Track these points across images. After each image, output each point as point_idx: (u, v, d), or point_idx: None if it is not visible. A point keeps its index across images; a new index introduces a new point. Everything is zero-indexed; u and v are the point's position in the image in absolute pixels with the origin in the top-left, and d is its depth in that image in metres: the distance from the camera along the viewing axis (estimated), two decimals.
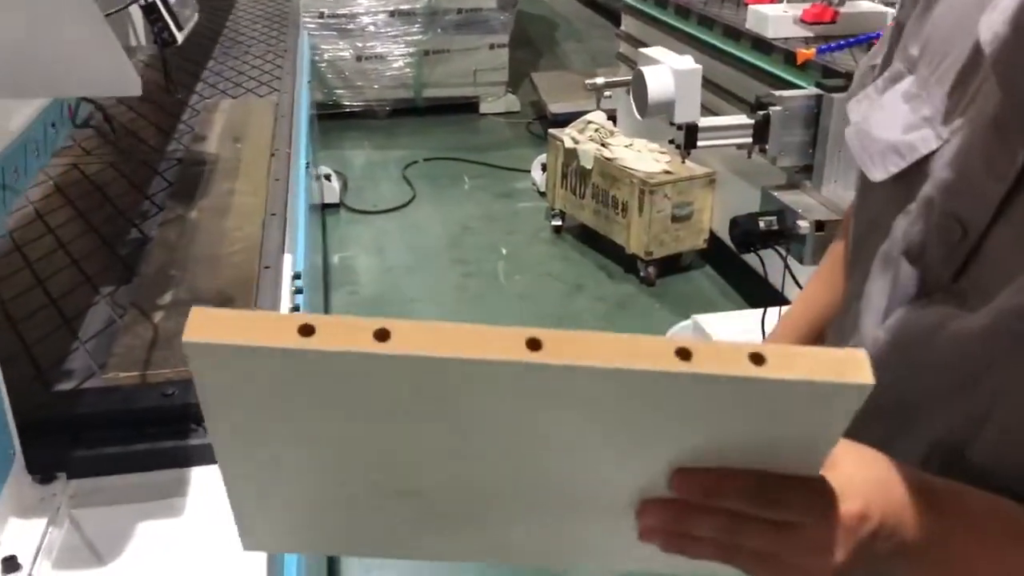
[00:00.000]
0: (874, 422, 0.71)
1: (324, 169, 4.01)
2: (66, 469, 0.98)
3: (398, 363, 0.41)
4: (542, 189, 3.97)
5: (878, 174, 0.67)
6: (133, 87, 0.87)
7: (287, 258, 1.45)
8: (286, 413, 0.46)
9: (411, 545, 0.60)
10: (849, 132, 0.71)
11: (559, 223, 3.75)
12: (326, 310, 3.20)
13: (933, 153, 0.63)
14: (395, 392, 0.44)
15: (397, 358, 0.41)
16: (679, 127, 2.05)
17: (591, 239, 3.60)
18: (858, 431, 0.52)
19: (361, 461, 0.51)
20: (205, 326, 0.41)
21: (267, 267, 1.39)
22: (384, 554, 0.63)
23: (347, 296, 3.36)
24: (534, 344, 0.41)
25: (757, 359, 0.42)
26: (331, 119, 4.76)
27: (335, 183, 4.02)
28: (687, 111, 2.02)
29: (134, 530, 0.93)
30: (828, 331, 0.85)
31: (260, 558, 0.86)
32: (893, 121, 0.67)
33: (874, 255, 0.70)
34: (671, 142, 2.11)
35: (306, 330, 0.41)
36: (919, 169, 0.64)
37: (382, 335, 0.41)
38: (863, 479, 0.53)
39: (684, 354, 0.42)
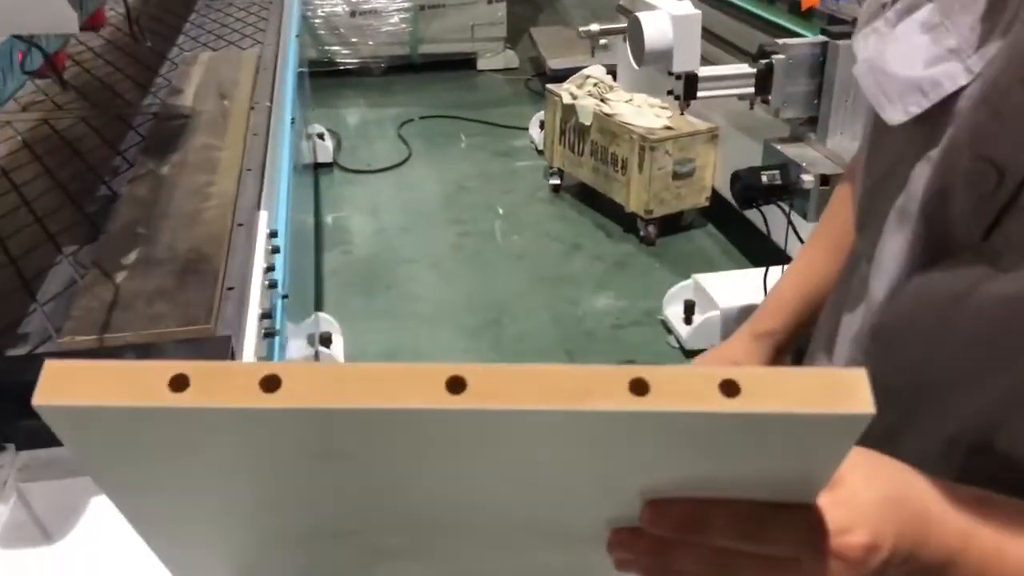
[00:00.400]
0: (884, 409, 0.63)
1: (317, 128, 3.94)
2: (15, 440, 0.91)
3: (291, 416, 0.34)
4: (540, 147, 3.88)
5: (896, 115, 0.58)
6: (69, 24, 0.79)
7: (262, 215, 1.38)
8: (174, 468, 0.40)
9: None
10: (859, 69, 0.63)
11: (557, 182, 3.66)
12: (318, 271, 3.14)
13: (961, 90, 0.55)
14: (296, 444, 0.38)
15: (289, 412, 0.34)
16: (678, 77, 1.95)
17: (590, 198, 3.51)
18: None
19: (276, 509, 0.45)
20: (60, 384, 0.35)
21: (240, 224, 1.32)
22: None
23: (340, 256, 3.29)
24: (456, 384, 0.34)
25: (729, 388, 0.34)
26: (325, 77, 4.66)
27: (328, 142, 3.94)
28: (686, 59, 1.93)
29: (86, 505, 0.87)
30: (827, 301, 0.77)
31: None
32: (912, 55, 0.59)
33: (888, 210, 0.62)
34: (669, 93, 2.02)
35: (178, 382, 0.34)
36: (944, 108, 0.56)
37: (270, 384, 0.34)
38: (872, 499, 0.45)
39: (640, 387, 0.34)
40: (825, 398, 0.34)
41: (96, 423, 0.36)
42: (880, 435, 0.48)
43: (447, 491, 0.42)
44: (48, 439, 0.39)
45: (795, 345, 0.85)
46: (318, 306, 2.87)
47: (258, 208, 1.39)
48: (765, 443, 0.37)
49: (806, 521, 0.43)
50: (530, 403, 0.34)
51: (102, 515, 0.86)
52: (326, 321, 2.65)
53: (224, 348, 1.03)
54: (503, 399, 0.34)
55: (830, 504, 0.43)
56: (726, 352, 0.85)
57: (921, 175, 0.58)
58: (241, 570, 0.53)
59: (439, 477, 0.41)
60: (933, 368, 0.58)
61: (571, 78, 3.52)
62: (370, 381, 0.34)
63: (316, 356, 2.41)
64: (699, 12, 2.17)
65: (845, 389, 0.35)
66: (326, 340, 2.52)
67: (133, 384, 0.34)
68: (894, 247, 0.61)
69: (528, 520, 0.45)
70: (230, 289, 1.15)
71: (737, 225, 3.08)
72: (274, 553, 0.51)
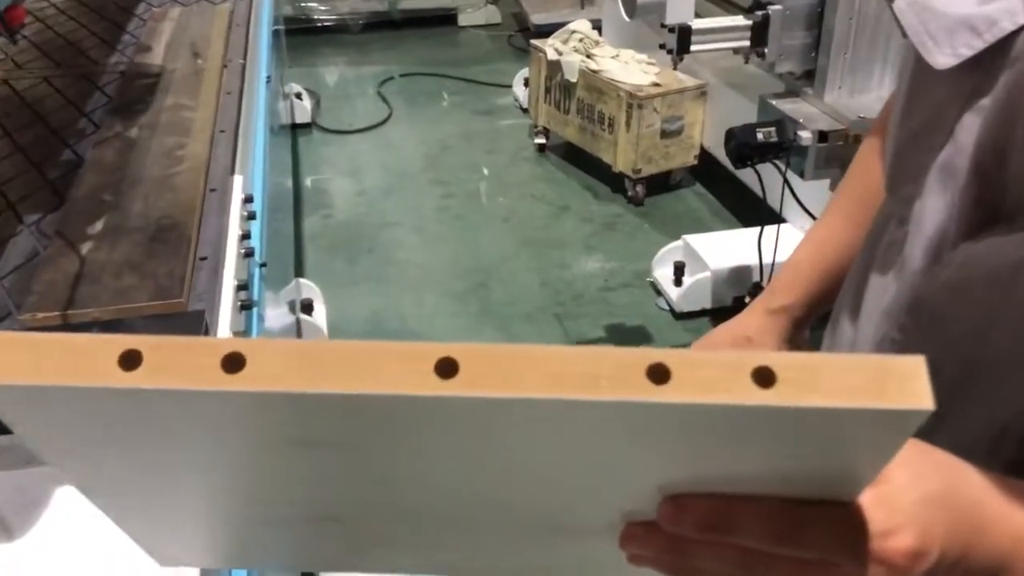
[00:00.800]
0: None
1: (294, 87, 3.83)
2: None
3: (257, 401, 0.30)
4: (525, 105, 3.80)
5: (943, 58, 0.52)
6: None
7: (237, 179, 1.30)
8: (132, 450, 0.36)
9: (357, 562, 0.50)
10: (900, 6, 0.56)
11: (543, 141, 3.58)
12: (298, 236, 3.06)
13: (1021, 29, 0.49)
14: (264, 430, 0.34)
15: (253, 396, 0.30)
16: (671, 29, 1.88)
17: (576, 157, 3.44)
18: None
19: (248, 494, 0.41)
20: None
21: (213, 189, 1.25)
22: (330, 569, 0.52)
23: (321, 220, 3.21)
24: (447, 368, 0.30)
25: (763, 377, 0.29)
26: (302, 34, 4.54)
27: (306, 102, 3.84)
28: (680, 11, 1.85)
29: (49, 497, 0.81)
30: (853, 264, 0.71)
31: None
32: None
33: (928, 165, 0.56)
34: (662, 47, 1.94)
35: (130, 359, 0.30)
36: (1000, 51, 0.50)
37: (233, 363, 0.30)
38: (920, 498, 0.40)
39: (659, 374, 0.29)
40: (875, 390, 0.29)
41: (38, 403, 0.32)
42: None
43: (440, 481, 0.38)
44: (4, 424, 0.34)
45: (813, 320, 0.79)
46: (298, 272, 2.79)
47: (232, 172, 1.32)
48: (803, 439, 0.32)
49: (845, 522, 0.38)
50: (531, 391, 0.29)
51: (67, 507, 0.80)
52: (307, 287, 2.58)
53: (198, 323, 0.97)
54: (500, 385, 0.29)
55: (872, 503, 0.38)
56: (737, 328, 0.79)
57: (970, 127, 0.52)
58: (221, 548, 0.50)
59: (430, 466, 0.36)
60: (984, 347, 0.52)
61: (556, 33, 3.42)
62: (347, 362, 0.30)
63: (297, 324, 2.34)
64: None
65: (898, 379, 0.30)
66: (307, 307, 2.45)
67: (79, 360, 0.30)
68: (936, 207, 0.55)
69: (532, 510, 0.41)
70: (203, 259, 1.08)
71: (726, 185, 3.02)
72: (255, 534, 0.47)
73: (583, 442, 0.33)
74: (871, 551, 0.38)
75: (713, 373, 0.29)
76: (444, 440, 0.34)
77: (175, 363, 0.30)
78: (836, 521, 0.38)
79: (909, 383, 0.30)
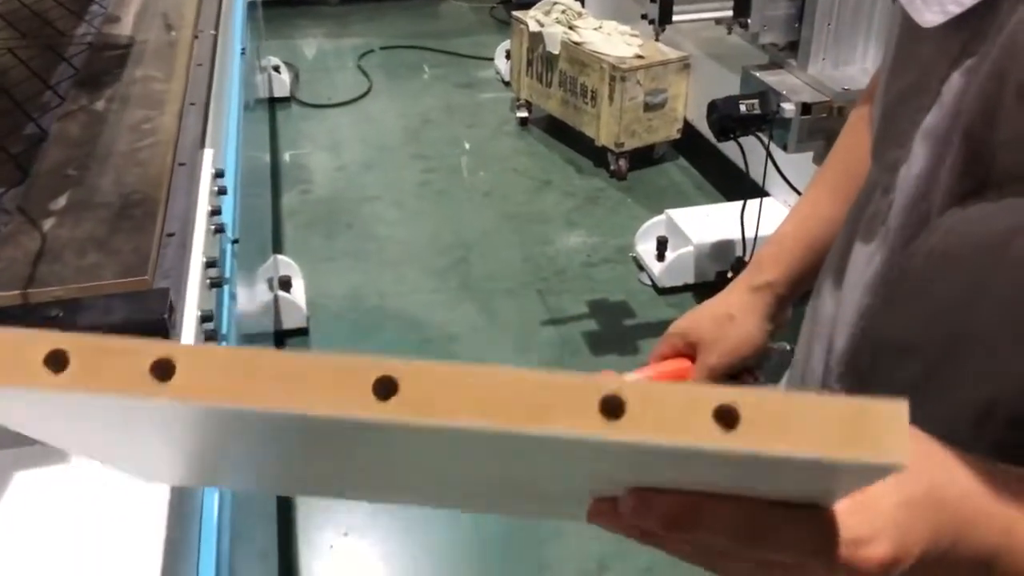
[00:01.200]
0: (904, 365, 0.55)
1: (272, 60, 3.77)
2: None
3: (187, 409, 0.29)
4: (507, 78, 3.76)
5: (932, 16, 0.50)
6: None
7: (207, 153, 1.27)
8: (80, 424, 0.35)
9: (333, 490, 0.50)
10: None
11: (525, 114, 3.54)
12: (276, 211, 3.02)
13: None
14: (200, 430, 0.33)
15: (183, 404, 0.28)
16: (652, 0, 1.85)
17: (559, 131, 3.40)
18: (886, 375, 0.37)
19: (207, 457, 0.40)
20: None
21: (182, 164, 1.21)
22: (311, 494, 0.53)
23: (299, 196, 3.16)
24: (385, 387, 0.28)
25: (726, 418, 0.27)
26: (279, 6, 4.46)
27: (285, 75, 3.78)
28: None
29: (12, 478, 0.78)
30: (834, 243, 0.68)
31: (162, 512, 0.72)
32: None
33: (912, 130, 0.54)
34: (644, 17, 1.91)
35: (56, 360, 0.28)
36: (989, 9, 0.48)
37: (163, 370, 0.28)
38: (901, 501, 0.39)
39: (612, 408, 0.27)
40: (847, 437, 0.27)
41: None
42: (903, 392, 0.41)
43: (391, 473, 0.38)
44: None
45: (796, 296, 0.77)
46: (276, 248, 2.76)
47: (202, 146, 1.28)
48: (771, 476, 0.31)
49: (816, 527, 0.36)
50: (474, 419, 0.27)
51: (33, 489, 0.77)
52: (285, 264, 2.55)
53: (162, 301, 0.94)
54: (441, 411, 0.27)
55: (849, 509, 0.37)
56: (720, 306, 0.77)
57: (957, 88, 0.50)
58: (194, 469, 0.49)
59: (378, 465, 0.36)
60: (970, 319, 0.51)
61: (538, 4, 3.38)
62: (281, 376, 0.28)
63: (275, 301, 2.31)
64: None
65: (873, 427, 0.27)
66: (286, 284, 2.42)
67: (3, 358, 0.29)
68: (922, 172, 0.53)
69: (499, 486, 0.40)
70: (170, 235, 1.05)
71: (710, 158, 2.99)
72: (228, 467, 0.46)
73: (535, 459, 0.32)
74: (842, 557, 0.37)
75: (671, 411, 0.27)
76: (386, 451, 0.33)
77: (103, 366, 0.28)
78: (805, 524, 0.36)
79: (884, 433, 0.27)
